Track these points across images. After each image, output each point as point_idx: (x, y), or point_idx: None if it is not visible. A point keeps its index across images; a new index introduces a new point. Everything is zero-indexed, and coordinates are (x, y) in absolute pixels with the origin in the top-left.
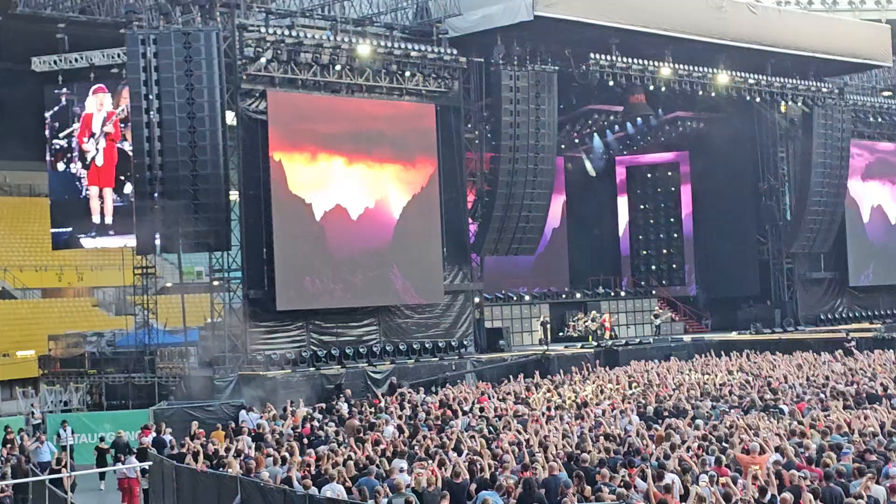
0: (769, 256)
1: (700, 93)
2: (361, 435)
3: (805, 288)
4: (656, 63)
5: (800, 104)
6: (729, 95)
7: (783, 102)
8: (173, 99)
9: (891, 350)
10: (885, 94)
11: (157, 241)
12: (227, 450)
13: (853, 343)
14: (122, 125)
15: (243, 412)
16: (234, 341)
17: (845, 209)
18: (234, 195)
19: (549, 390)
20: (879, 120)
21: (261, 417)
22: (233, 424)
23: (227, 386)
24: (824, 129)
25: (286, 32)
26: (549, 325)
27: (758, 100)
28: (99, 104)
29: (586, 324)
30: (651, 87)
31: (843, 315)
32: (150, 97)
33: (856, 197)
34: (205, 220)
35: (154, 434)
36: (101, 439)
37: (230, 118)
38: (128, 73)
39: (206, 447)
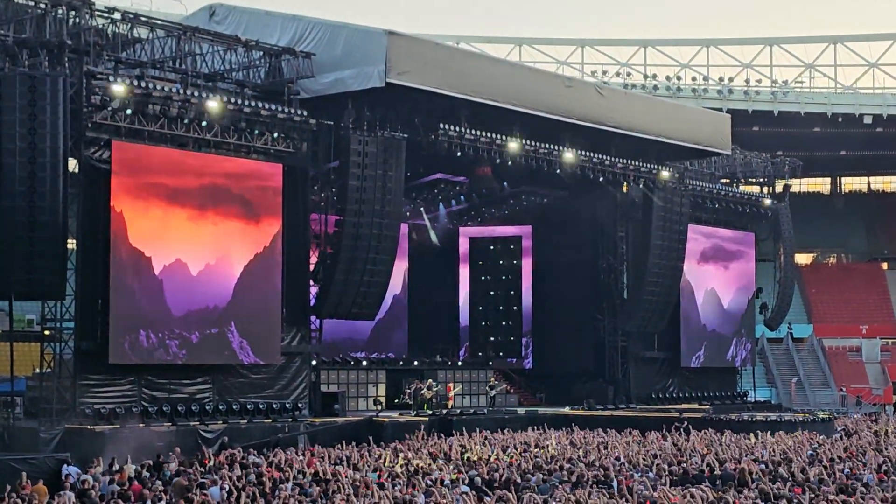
0: (605, 334)
1: (545, 169)
2: (189, 495)
3: (638, 366)
4: (504, 137)
5: (641, 186)
6: (573, 173)
7: (625, 183)
8: (14, 143)
9: (717, 431)
10: (724, 181)
11: None
12: None
13: (686, 423)
14: None
15: (66, 466)
16: (63, 393)
17: (680, 291)
18: (71, 244)
19: (381, 457)
20: (717, 206)
21: (86, 473)
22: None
23: (53, 439)
24: (663, 212)
25: (135, 83)
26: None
27: (601, 179)
28: None
29: (422, 392)
30: (498, 161)
31: (674, 395)
32: None
33: (691, 280)
34: (40, 268)
35: None
36: None
37: (72, 165)
38: None
39: (30, 502)
